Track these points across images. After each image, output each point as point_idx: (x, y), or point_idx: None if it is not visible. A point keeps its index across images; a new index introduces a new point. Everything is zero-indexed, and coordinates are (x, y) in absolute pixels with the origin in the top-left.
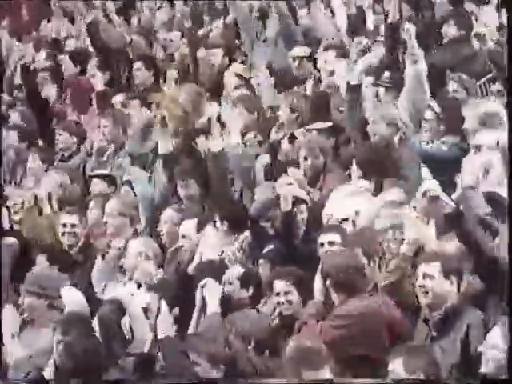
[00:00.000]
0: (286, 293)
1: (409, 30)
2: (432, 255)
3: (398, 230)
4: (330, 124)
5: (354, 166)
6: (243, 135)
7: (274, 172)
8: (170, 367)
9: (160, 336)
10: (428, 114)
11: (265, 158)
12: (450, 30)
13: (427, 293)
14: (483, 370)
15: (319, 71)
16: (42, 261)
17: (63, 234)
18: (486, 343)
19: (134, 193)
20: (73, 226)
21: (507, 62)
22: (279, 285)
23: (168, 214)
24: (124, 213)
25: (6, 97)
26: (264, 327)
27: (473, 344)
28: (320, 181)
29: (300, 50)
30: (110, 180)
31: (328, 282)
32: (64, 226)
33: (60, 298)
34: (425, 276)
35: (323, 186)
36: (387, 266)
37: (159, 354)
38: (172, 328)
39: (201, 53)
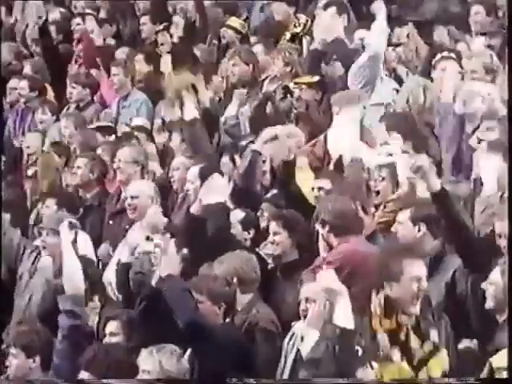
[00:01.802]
0: (275, 233)
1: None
2: (406, 202)
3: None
4: (317, 78)
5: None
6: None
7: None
8: (173, 305)
9: (163, 274)
10: None
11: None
12: None
13: (398, 237)
14: (487, 306)
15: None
16: (51, 204)
17: (74, 174)
18: (489, 280)
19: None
20: (84, 167)
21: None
22: (271, 225)
23: (179, 160)
24: (138, 160)
25: (21, 48)
26: (253, 267)
27: (459, 287)
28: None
29: None
30: (112, 131)
31: (326, 228)
32: (78, 167)
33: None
34: (398, 222)
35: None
36: (385, 207)
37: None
38: (178, 267)
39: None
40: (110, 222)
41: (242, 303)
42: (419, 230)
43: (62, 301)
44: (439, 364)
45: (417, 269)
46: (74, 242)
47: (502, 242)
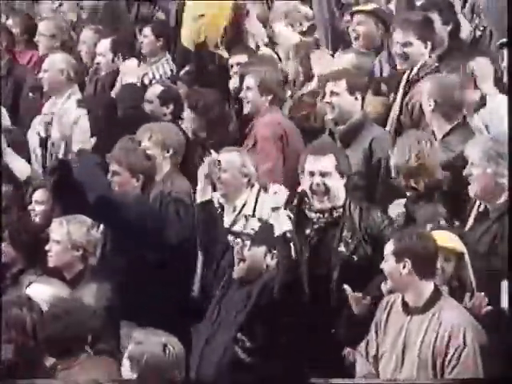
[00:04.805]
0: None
1: None
2: (338, 73)
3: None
4: None
5: None
6: None
7: None
8: (84, 180)
9: (75, 149)
10: None
11: None
12: None
13: (334, 108)
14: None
15: None
16: None
17: None
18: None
19: None
20: None
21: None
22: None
23: (86, 34)
24: (55, 34)
25: None
26: (182, 140)
27: (375, 154)
28: None
29: None
30: None
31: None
32: None
33: None
34: (332, 93)
35: None
36: (300, 100)
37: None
38: (90, 141)
39: None
40: (30, 94)
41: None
42: (356, 99)
43: None
44: None
45: None
46: None
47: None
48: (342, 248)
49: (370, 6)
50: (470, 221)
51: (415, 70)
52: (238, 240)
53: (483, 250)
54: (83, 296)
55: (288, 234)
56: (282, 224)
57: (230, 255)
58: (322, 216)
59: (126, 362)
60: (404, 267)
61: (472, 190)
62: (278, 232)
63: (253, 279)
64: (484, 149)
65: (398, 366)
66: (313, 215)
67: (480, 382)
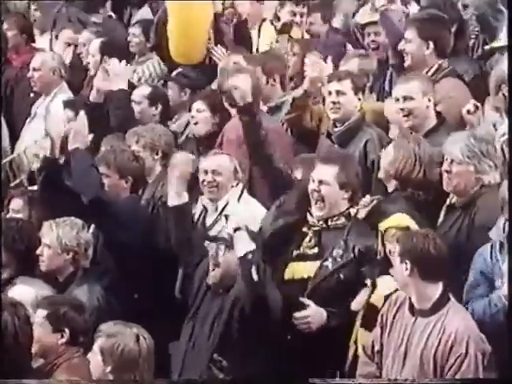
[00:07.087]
0: (198, 110)
1: None
2: (343, 73)
3: None
4: None
5: None
6: None
7: None
8: (78, 178)
9: (70, 147)
10: None
11: None
12: None
13: (339, 108)
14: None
15: None
16: None
17: None
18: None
19: None
20: None
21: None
22: (196, 104)
23: (85, 35)
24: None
25: None
26: (170, 141)
27: (369, 156)
28: None
29: None
30: None
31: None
32: None
33: None
34: (338, 93)
35: None
36: (292, 104)
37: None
38: (86, 141)
39: None
40: (31, 95)
41: (153, 177)
42: (359, 99)
43: None
44: None
45: None
46: None
47: None
48: (328, 263)
49: None
50: (442, 215)
51: (431, 72)
52: (213, 245)
53: (452, 241)
54: (76, 297)
55: (249, 256)
56: (244, 245)
57: (206, 262)
58: (317, 222)
59: (95, 357)
60: (406, 269)
61: (448, 185)
62: (239, 254)
63: (227, 287)
64: (467, 146)
65: (399, 365)
66: (311, 218)
67: (480, 383)
